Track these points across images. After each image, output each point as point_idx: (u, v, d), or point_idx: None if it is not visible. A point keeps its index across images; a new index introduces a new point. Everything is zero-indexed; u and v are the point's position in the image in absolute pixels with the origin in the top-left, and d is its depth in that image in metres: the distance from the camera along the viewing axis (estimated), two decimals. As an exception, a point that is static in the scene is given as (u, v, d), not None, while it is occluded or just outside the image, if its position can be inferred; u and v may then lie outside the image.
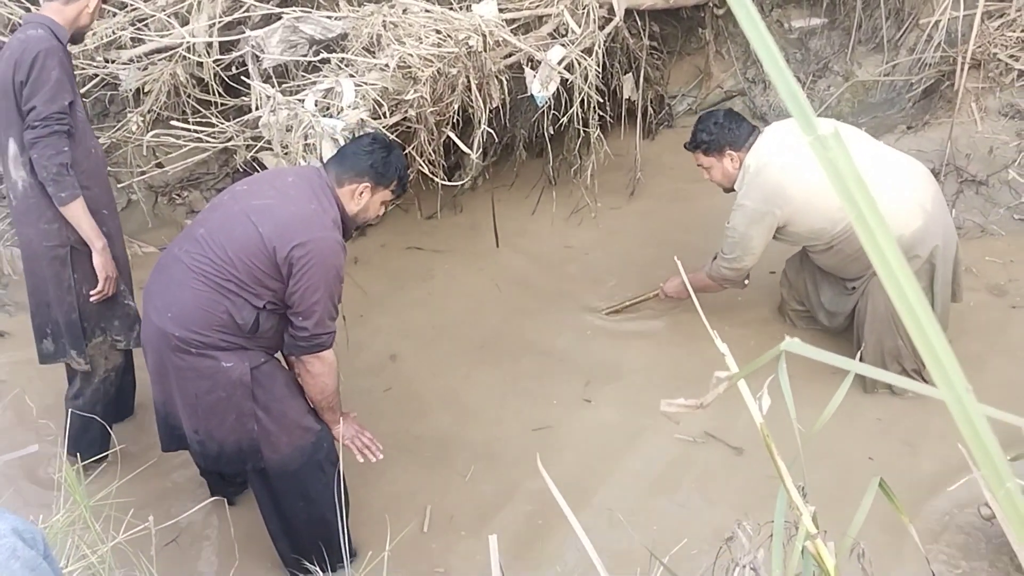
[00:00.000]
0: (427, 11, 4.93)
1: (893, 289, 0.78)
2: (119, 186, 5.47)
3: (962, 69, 5.90)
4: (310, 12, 4.98)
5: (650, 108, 6.57)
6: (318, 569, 3.43)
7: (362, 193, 3.56)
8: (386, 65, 4.63)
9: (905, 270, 0.78)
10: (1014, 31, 5.98)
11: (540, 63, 5.16)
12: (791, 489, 1.72)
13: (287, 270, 3.36)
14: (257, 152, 4.77)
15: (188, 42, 4.95)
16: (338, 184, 3.55)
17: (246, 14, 5.09)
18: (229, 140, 4.94)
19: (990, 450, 0.81)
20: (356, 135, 4.43)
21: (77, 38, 4.01)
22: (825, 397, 1.69)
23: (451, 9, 5.03)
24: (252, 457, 3.60)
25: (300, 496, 3.69)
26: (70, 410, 4.11)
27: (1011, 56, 5.96)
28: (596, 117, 5.53)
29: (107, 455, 4.24)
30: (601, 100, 5.59)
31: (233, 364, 3.46)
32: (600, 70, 5.39)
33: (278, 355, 3.67)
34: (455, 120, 5.05)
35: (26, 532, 1.52)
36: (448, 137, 5.09)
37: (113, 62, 5.01)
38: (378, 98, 4.58)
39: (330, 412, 3.69)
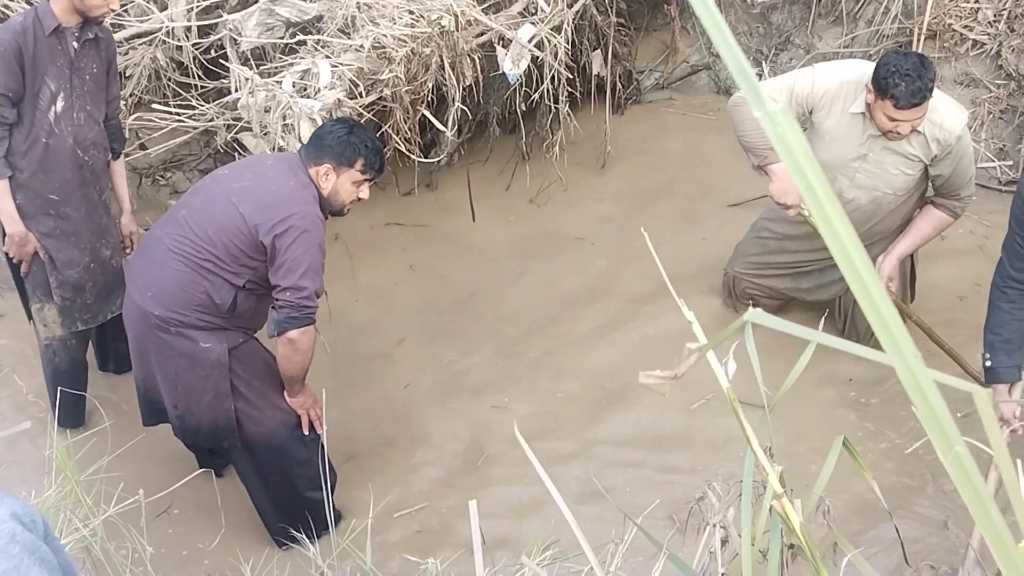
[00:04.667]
0: (400, -8, 5.01)
1: (840, 255, 0.78)
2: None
3: (919, 40, 6.04)
4: (285, -5, 5.05)
5: (619, 84, 6.63)
6: (304, 536, 3.49)
7: (327, 175, 3.58)
8: (361, 46, 4.69)
9: (851, 234, 0.78)
10: (968, 2, 6.13)
11: (511, 41, 5.23)
12: (757, 450, 1.83)
13: (271, 245, 3.42)
14: (237, 133, 4.82)
15: (167, 27, 4.99)
16: (307, 166, 3.59)
17: (223, -2, 5.16)
18: (210, 122, 4.98)
19: (939, 414, 0.81)
20: (333, 115, 4.53)
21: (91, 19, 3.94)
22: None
23: (423, -10, 5.11)
24: (228, 435, 3.68)
25: (284, 469, 3.78)
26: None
27: (965, 27, 6.10)
28: (566, 93, 5.60)
29: (84, 423, 4.40)
30: (571, 76, 5.67)
31: (211, 345, 3.54)
32: (569, 47, 5.46)
33: (257, 335, 3.75)
34: (430, 98, 5.11)
35: (25, 516, 1.48)
36: (423, 115, 5.15)
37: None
38: (354, 78, 4.64)
39: (299, 383, 3.73)
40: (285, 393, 3.76)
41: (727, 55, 0.78)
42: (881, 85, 3.82)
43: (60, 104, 3.96)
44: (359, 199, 3.72)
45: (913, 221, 4.34)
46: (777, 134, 0.77)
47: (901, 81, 3.76)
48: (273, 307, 3.54)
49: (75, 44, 3.95)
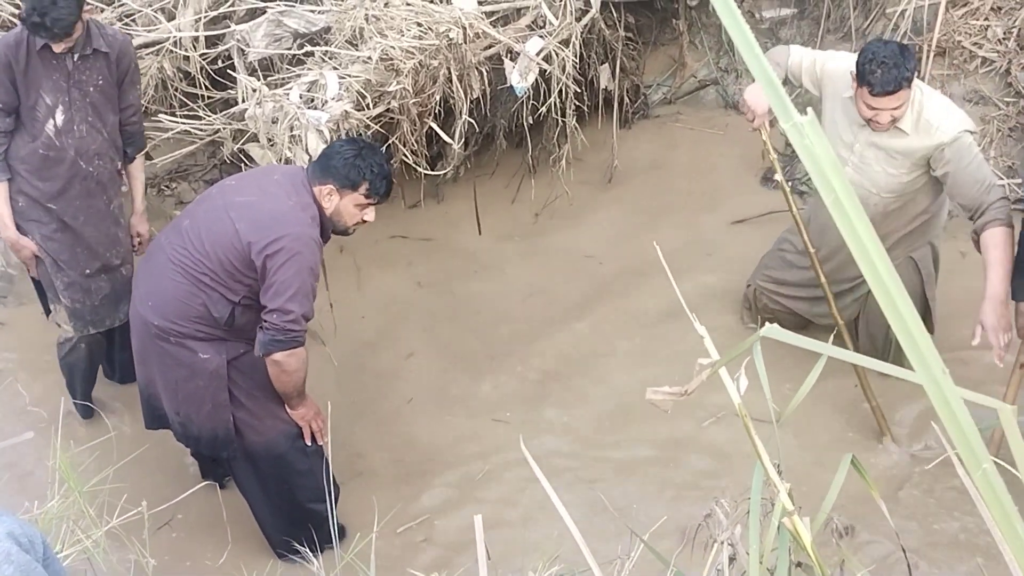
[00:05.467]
0: (408, 4, 4.98)
1: (869, 272, 0.77)
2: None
3: (928, 57, 6.02)
4: (294, 6, 5.03)
5: (626, 98, 6.62)
6: (307, 550, 3.50)
7: (330, 195, 3.54)
8: (369, 58, 4.70)
9: (880, 251, 0.77)
10: (977, 19, 6.11)
11: (519, 54, 5.23)
12: (768, 466, 1.82)
13: (261, 264, 3.40)
14: (244, 144, 4.84)
15: (175, 37, 5.01)
16: (312, 183, 3.55)
17: (231, 9, 5.13)
18: (216, 132, 5.00)
19: (967, 431, 0.79)
20: (340, 126, 4.53)
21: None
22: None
23: (432, 2, 5.09)
24: (226, 445, 3.68)
25: (285, 479, 3.77)
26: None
27: (975, 44, 6.09)
28: (573, 107, 5.59)
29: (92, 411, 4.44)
30: (579, 90, 5.66)
31: (210, 356, 3.53)
32: (577, 61, 5.45)
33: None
34: (437, 111, 5.11)
35: (22, 536, 1.45)
36: (430, 128, 5.15)
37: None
38: (361, 90, 4.65)
39: (296, 398, 3.70)
40: (286, 405, 3.74)
41: (754, 66, 0.77)
42: (860, 72, 3.87)
43: (60, 117, 3.96)
44: (364, 221, 3.69)
45: (983, 260, 4.07)
46: (804, 146, 0.76)
47: (878, 68, 3.79)
48: (260, 327, 3.51)
49: (74, 58, 3.94)
